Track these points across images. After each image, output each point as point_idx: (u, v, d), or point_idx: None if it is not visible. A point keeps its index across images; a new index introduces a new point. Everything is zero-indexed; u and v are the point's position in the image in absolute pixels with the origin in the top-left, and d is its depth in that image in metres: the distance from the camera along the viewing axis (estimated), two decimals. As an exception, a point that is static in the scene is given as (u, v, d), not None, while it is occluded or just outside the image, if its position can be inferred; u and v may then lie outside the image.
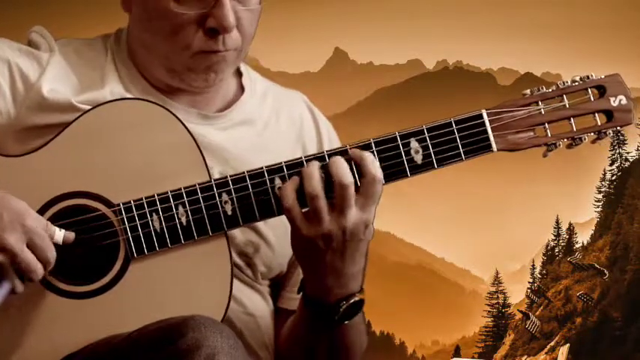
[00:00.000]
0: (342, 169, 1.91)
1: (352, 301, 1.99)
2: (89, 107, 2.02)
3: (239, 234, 2.08)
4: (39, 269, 1.86)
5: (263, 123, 2.21)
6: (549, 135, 1.99)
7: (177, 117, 1.99)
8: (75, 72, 2.11)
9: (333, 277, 1.97)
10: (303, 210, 1.92)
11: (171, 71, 2.06)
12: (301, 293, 2.06)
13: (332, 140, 2.30)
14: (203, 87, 2.08)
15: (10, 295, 1.86)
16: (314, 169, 1.92)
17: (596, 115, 1.99)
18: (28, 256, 1.84)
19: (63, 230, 1.90)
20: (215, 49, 2.02)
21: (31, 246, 1.85)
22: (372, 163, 1.92)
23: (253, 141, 2.17)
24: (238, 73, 2.25)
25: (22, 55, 2.09)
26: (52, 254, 1.88)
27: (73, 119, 1.99)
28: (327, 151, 1.99)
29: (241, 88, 2.23)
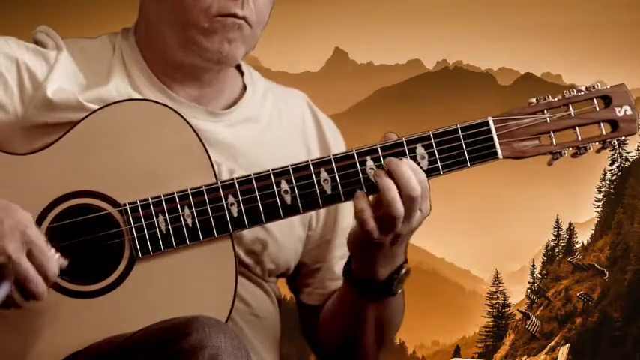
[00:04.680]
0: (411, 182, 1.92)
1: (403, 271, 2.03)
2: (96, 105, 2.02)
3: (247, 232, 2.08)
4: (39, 281, 1.82)
5: (266, 120, 2.21)
6: (554, 144, 1.99)
7: (184, 118, 1.99)
8: (82, 70, 2.10)
9: (388, 261, 2.01)
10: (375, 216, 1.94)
11: (186, 44, 2.06)
12: (341, 279, 2.09)
13: (336, 138, 2.30)
14: (215, 60, 2.07)
15: (9, 299, 1.85)
16: (395, 193, 1.92)
17: (601, 124, 1.98)
18: (27, 266, 1.82)
19: (58, 254, 1.89)
20: (233, 11, 2.03)
21: (31, 257, 1.83)
22: (412, 177, 1.94)
23: (259, 138, 2.17)
24: (240, 72, 2.25)
25: (30, 53, 2.09)
26: (52, 268, 1.83)
27: (81, 119, 1.99)
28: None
29: (244, 87, 2.24)
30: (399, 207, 1.91)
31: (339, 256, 2.20)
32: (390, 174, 1.93)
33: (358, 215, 1.92)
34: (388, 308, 2.07)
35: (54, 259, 1.84)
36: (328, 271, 2.20)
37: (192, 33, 2.04)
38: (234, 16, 2.03)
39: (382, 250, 1.97)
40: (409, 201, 1.91)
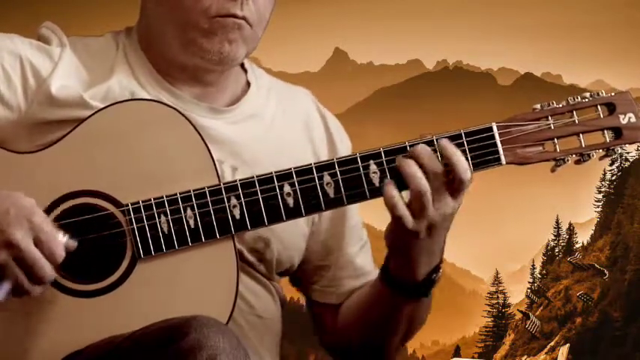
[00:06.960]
0: (432, 159, 1.92)
1: (440, 270, 2.04)
2: (99, 101, 2.03)
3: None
4: (46, 267, 1.84)
5: (270, 117, 2.21)
6: (558, 150, 1.98)
7: (188, 119, 1.99)
8: (85, 66, 2.11)
9: (427, 257, 2.00)
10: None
11: (186, 44, 2.06)
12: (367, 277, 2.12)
13: (342, 136, 2.29)
14: (216, 61, 2.07)
15: (16, 296, 1.86)
16: (415, 169, 1.92)
17: (605, 132, 1.99)
18: (35, 253, 1.83)
19: (66, 236, 1.89)
20: (233, 12, 2.04)
21: (38, 243, 1.85)
22: (432, 154, 1.93)
23: (263, 134, 2.17)
24: (244, 70, 2.26)
25: (33, 49, 2.09)
26: (59, 251, 1.86)
27: (84, 118, 1.99)
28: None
29: (247, 84, 2.24)
30: (422, 181, 1.90)
31: (355, 252, 2.20)
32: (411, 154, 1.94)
33: (388, 201, 1.91)
34: (421, 307, 2.07)
35: (61, 244, 1.85)
36: (343, 269, 2.20)
37: (193, 34, 2.05)
38: (234, 16, 2.04)
39: (420, 243, 1.95)
40: (434, 177, 1.91)
